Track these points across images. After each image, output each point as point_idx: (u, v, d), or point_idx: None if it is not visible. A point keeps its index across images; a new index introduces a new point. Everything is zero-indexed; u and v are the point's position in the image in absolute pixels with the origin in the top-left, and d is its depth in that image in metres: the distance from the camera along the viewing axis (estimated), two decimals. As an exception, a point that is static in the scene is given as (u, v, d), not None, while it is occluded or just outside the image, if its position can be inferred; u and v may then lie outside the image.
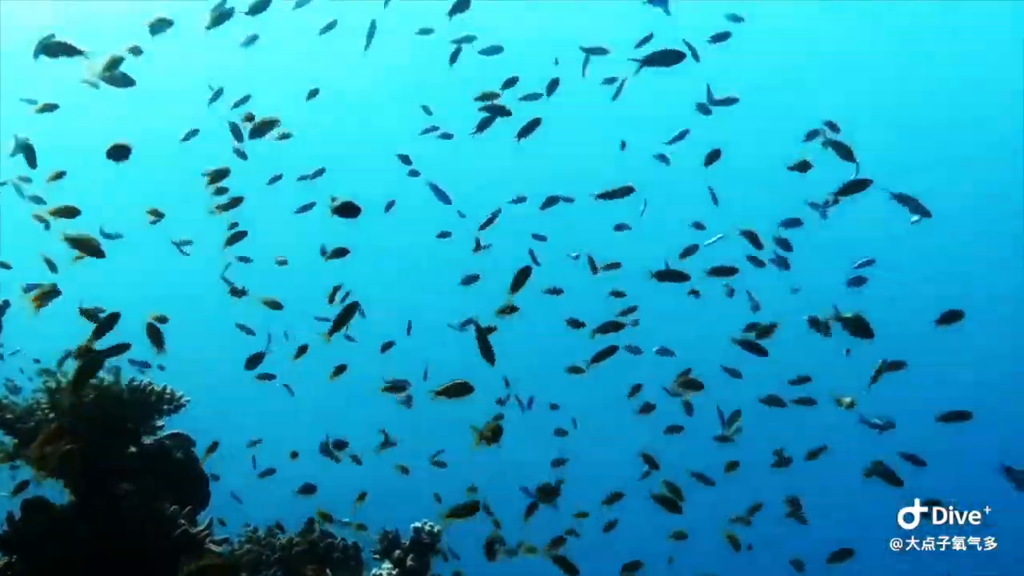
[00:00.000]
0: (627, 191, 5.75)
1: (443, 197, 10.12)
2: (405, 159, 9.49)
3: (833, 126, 6.35)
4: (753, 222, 6.58)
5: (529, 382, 8.59)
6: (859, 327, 4.72)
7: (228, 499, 5.21)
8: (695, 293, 7.00)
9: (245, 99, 8.01)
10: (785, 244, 6.74)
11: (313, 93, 10.68)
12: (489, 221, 8.45)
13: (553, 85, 7.53)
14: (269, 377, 7.83)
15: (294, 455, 7.14)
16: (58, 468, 4.28)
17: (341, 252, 5.77)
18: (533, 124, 6.03)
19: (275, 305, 6.30)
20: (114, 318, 4.07)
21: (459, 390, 3.98)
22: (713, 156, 7.18)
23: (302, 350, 6.28)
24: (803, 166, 5.93)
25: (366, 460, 7.42)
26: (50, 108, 6.69)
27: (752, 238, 6.05)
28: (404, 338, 9.19)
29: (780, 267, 6.86)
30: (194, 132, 7.94)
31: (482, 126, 6.09)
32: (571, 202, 8.49)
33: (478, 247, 8.53)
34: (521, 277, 4.89)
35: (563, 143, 19.51)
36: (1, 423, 4.22)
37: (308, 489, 6.53)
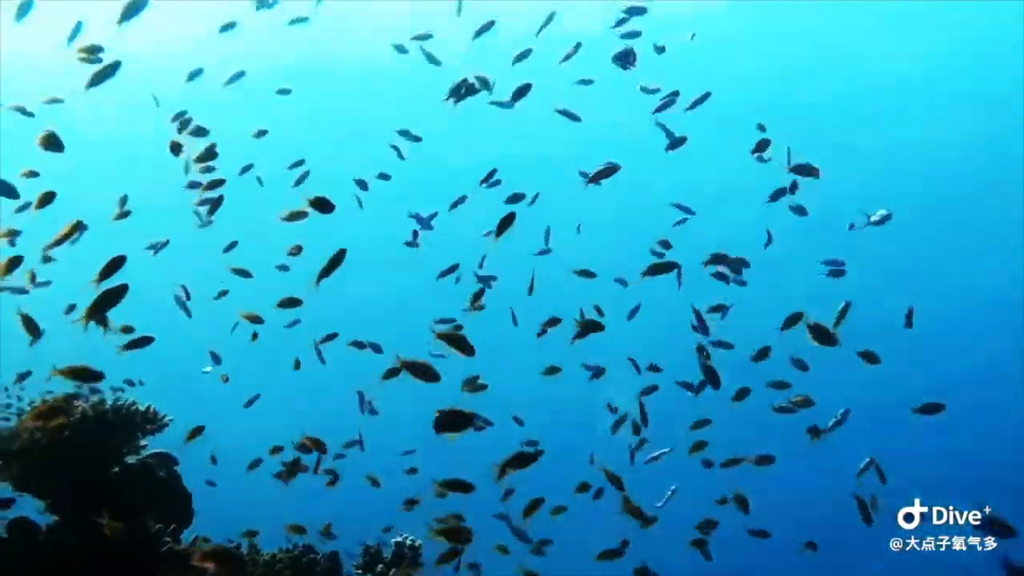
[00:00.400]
0: (613, 170, 5.86)
1: (425, 224, 10.26)
2: (361, 184, 9.63)
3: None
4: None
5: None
6: (822, 335, 4.94)
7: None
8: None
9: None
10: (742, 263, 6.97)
11: (285, 91, 10.87)
12: (456, 204, 8.92)
13: (524, 54, 7.79)
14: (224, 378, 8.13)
15: (275, 450, 7.13)
16: (41, 488, 4.44)
17: (297, 250, 5.78)
18: (524, 89, 6.41)
19: (256, 319, 6.46)
20: (120, 261, 4.15)
21: (423, 371, 3.99)
22: (678, 143, 7.39)
23: (255, 336, 6.61)
24: (762, 145, 6.27)
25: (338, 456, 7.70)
26: (24, 112, 6.82)
27: (718, 260, 6.32)
28: (385, 337, 9.38)
29: (737, 282, 7.07)
30: (183, 114, 8.03)
31: (455, 95, 6.41)
32: (535, 199, 8.63)
33: (415, 238, 8.73)
34: (505, 223, 5.11)
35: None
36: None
37: (288, 474, 6.62)
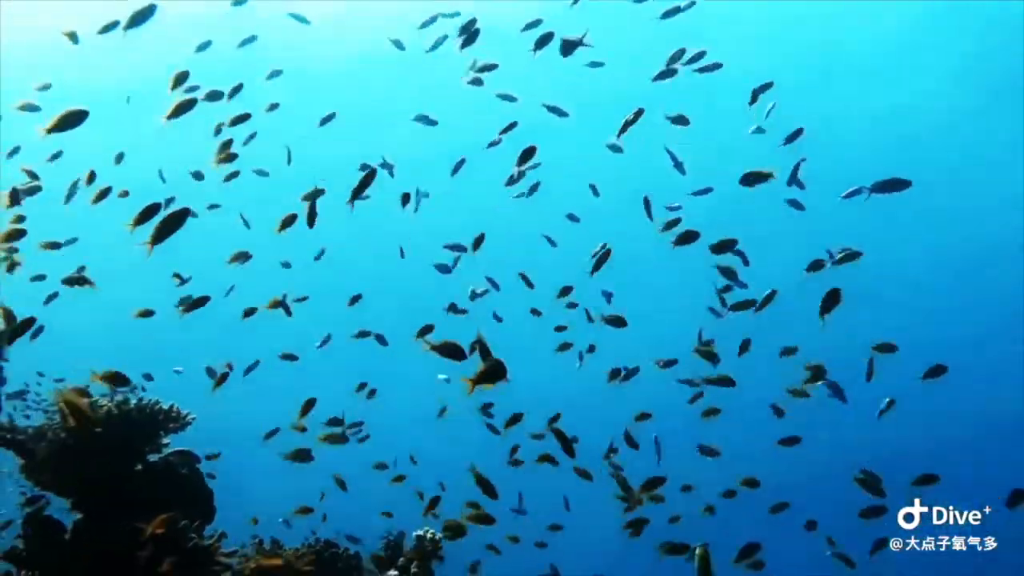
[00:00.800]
0: (638, 114, 5.87)
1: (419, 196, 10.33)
2: (366, 167, 9.72)
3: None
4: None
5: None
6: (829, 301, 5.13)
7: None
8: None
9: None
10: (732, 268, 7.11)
11: (276, 73, 10.93)
12: (457, 168, 9.49)
13: (533, 24, 7.87)
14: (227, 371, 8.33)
15: (301, 429, 7.16)
16: (65, 486, 4.55)
17: (290, 220, 5.64)
18: (546, 38, 6.35)
19: (277, 304, 6.64)
20: (157, 207, 4.06)
21: (451, 351, 3.84)
22: (681, 120, 7.46)
23: (249, 312, 6.95)
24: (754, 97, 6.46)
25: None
26: (31, 108, 6.87)
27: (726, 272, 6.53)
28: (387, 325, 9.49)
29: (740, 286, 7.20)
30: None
31: (465, 33, 6.75)
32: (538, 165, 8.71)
33: (407, 200, 8.87)
34: (527, 155, 5.42)
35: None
36: (11, 444, 4.45)
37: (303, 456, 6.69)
